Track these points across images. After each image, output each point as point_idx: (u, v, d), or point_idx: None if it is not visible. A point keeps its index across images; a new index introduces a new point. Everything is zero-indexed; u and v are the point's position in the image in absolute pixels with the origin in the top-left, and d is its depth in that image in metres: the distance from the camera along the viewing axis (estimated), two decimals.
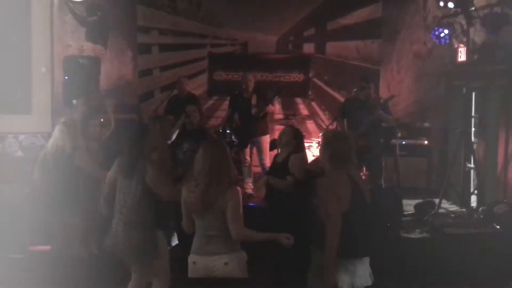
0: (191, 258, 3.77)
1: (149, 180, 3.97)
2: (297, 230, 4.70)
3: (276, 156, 5.42)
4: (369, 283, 3.84)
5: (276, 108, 7.77)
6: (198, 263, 3.72)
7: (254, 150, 7.50)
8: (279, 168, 5.03)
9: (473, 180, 7.44)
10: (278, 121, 8.44)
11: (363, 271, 3.79)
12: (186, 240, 4.17)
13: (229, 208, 3.62)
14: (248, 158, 7.46)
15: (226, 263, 3.64)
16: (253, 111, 7.25)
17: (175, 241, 5.28)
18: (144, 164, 4.02)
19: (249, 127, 7.28)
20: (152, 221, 4.03)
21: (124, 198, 4.04)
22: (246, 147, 7.40)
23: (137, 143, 4.10)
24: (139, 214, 3.99)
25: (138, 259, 4.06)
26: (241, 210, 3.68)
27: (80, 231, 5.23)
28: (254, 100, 7.32)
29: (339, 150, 3.73)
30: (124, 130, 4.30)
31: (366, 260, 3.84)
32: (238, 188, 3.77)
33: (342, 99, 9.14)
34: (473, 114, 7.62)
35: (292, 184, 4.87)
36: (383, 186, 7.10)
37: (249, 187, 7.43)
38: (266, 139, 7.35)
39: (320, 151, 3.89)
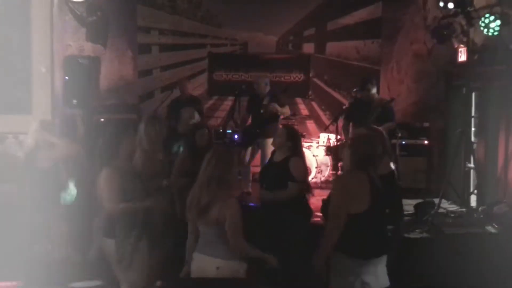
0: (194, 254, 3.79)
1: (98, 184, 3.86)
2: (289, 234, 4.74)
3: (272, 155, 5.24)
4: (387, 284, 3.86)
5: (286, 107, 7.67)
6: (195, 260, 3.74)
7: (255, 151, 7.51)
8: (274, 168, 4.94)
9: (473, 180, 7.44)
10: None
11: (383, 270, 3.84)
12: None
13: (228, 222, 3.60)
14: (247, 158, 7.46)
15: (218, 268, 3.62)
16: (262, 110, 7.27)
17: None
18: (99, 166, 3.90)
19: (258, 128, 7.28)
20: (106, 228, 3.88)
21: None
22: (248, 147, 7.40)
23: (110, 143, 3.98)
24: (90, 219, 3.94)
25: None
26: (240, 223, 3.65)
27: (65, 234, 5.20)
28: (266, 101, 7.33)
29: (362, 152, 3.75)
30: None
31: (384, 259, 3.86)
32: (236, 201, 3.72)
33: (342, 99, 9.17)
34: (473, 114, 7.62)
35: (293, 191, 4.81)
36: None
37: (248, 186, 7.43)
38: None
39: (345, 152, 3.91)
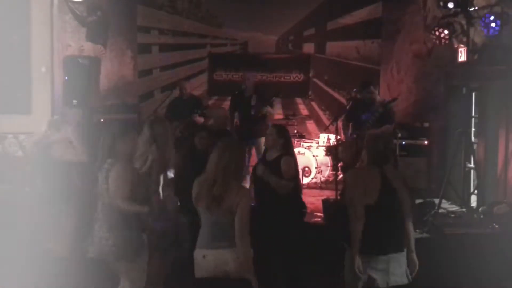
0: (200, 252, 3.73)
1: (110, 181, 3.85)
2: (284, 232, 4.72)
3: (264, 154, 5.17)
4: (405, 281, 3.89)
5: (277, 109, 7.75)
6: (208, 257, 3.69)
7: (253, 150, 7.50)
8: (268, 167, 4.85)
9: (473, 180, 7.44)
10: (278, 121, 8.43)
11: (397, 269, 3.86)
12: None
13: (239, 212, 3.63)
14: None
15: (238, 257, 3.63)
16: (253, 111, 7.29)
17: None
18: (112, 164, 3.88)
19: (249, 127, 7.30)
20: (124, 221, 3.88)
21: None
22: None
23: (111, 142, 3.95)
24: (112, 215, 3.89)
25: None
26: (249, 216, 3.68)
27: (71, 231, 5.19)
28: (254, 101, 7.35)
29: (377, 148, 3.95)
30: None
31: (400, 257, 3.90)
32: (248, 191, 3.82)
33: (342, 99, 9.16)
34: (473, 114, 7.62)
35: (286, 186, 4.77)
36: None
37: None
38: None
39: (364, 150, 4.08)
